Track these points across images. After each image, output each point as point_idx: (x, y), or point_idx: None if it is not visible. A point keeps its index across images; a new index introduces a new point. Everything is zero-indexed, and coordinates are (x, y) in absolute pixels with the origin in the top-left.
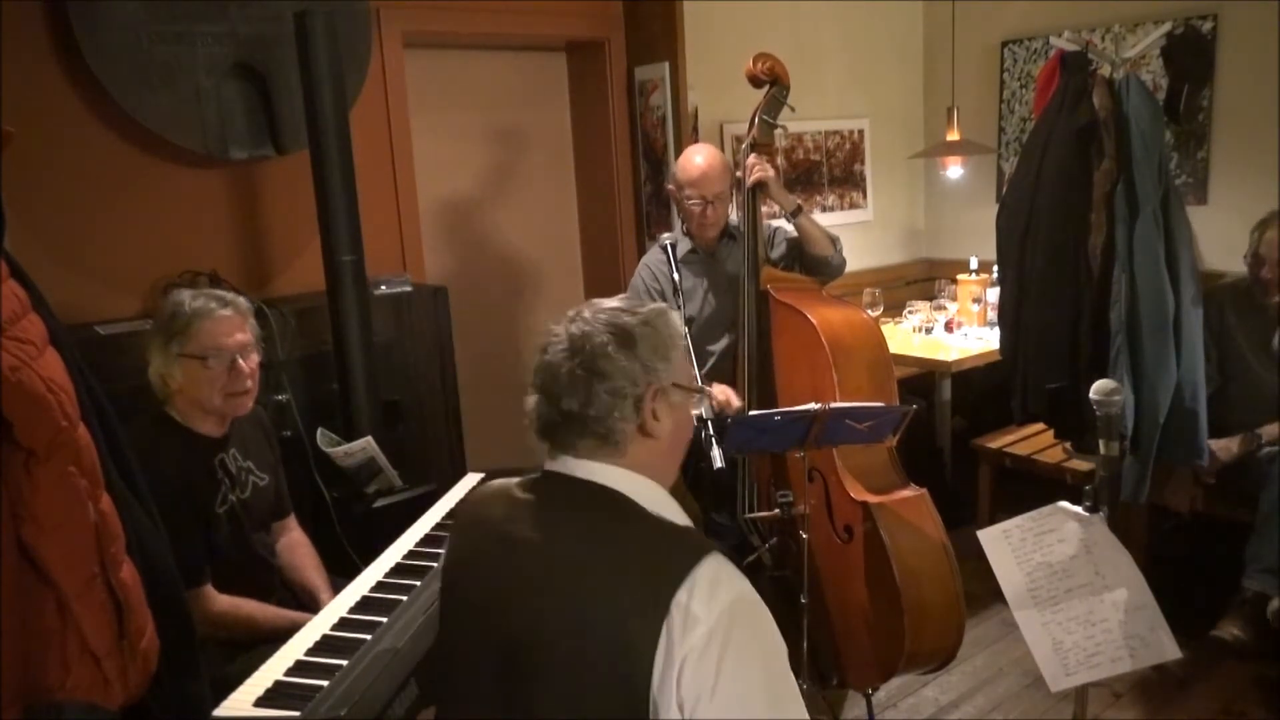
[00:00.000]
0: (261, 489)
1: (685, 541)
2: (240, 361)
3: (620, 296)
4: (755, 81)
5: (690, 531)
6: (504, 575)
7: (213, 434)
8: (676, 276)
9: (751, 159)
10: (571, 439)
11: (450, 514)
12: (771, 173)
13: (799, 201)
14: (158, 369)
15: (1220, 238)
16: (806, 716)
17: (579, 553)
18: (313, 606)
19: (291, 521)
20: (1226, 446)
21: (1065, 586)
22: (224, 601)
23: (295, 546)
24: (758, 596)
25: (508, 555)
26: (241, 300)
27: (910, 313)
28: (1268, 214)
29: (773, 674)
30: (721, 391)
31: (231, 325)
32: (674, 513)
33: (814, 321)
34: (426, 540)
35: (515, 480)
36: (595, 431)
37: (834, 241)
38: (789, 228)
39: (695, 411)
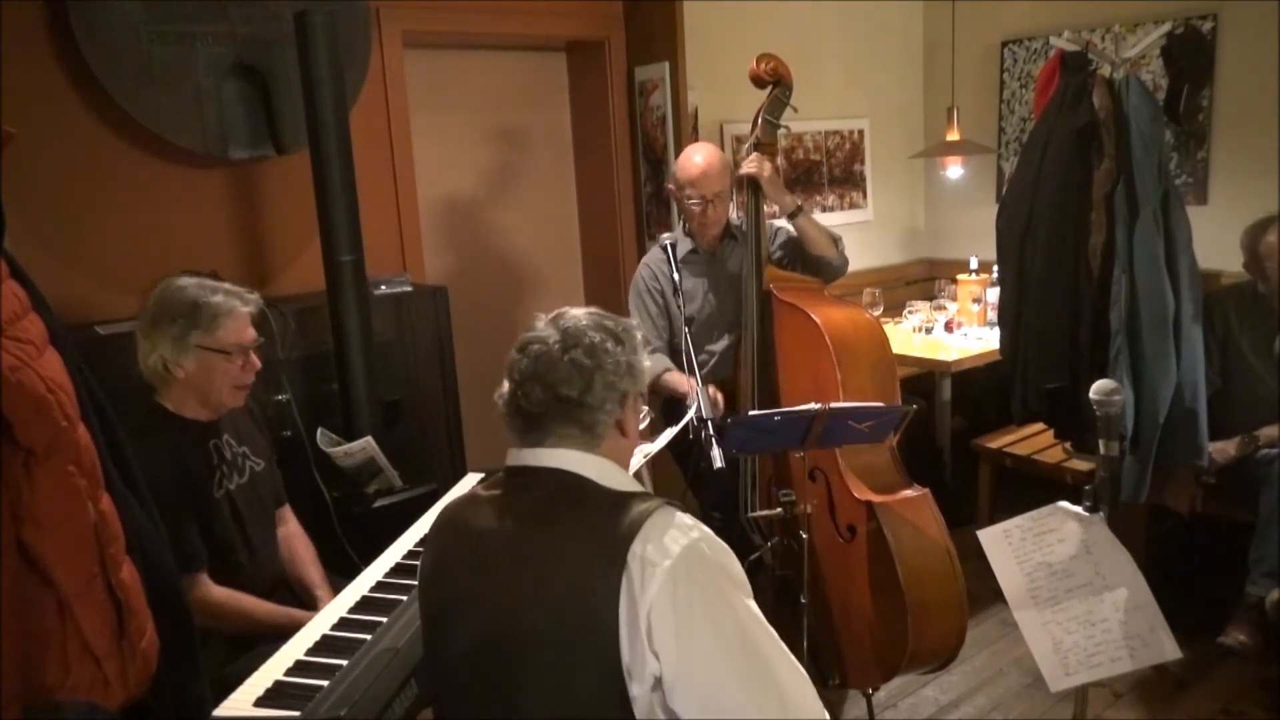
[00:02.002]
0: (260, 474)
1: (638, 501)
2: (253, 356)
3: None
4: (758, 82)
5: (644, 494)
6: (475, 572)
7: (203, 419)
8: (677, 276)
9: (750, 156)
10: (553, 426)
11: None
12: (767, 170)
13: (799, 202)
14: (164, 356)
15: (1220, 238)
16: (780, 644)
17: (543, 537)
18: (309, 601)
19: (287, 512)
20: (1223, 449)
21: (1065, 586)
22: (220, 592)
23: (291, 538)
24: (715, 537)
25: (476, 550)
26: (254, 296)
27: (910, 313)
28: (1263, 217)
29: (739, 606)
30: (712, 390)
31: (248, 321)
32: (636, 487)
33: (818, 321)
34: None
35: (482, 482)
36: (581, 420)
37: (836, 241)
38: (790, 227)
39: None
